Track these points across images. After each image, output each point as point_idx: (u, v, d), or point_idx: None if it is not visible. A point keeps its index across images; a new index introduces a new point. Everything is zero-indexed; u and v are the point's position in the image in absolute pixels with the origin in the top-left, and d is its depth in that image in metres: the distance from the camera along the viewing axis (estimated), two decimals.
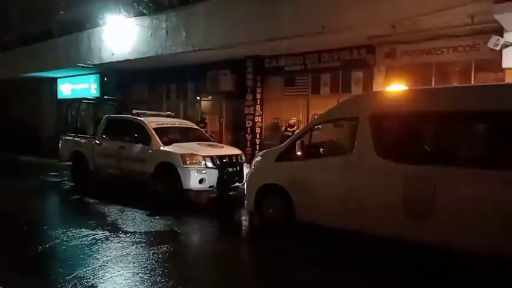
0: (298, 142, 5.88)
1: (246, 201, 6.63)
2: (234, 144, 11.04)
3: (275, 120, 12.25)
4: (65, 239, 5.57)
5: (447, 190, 4.53)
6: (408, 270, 4.63)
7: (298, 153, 5.84)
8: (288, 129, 10.80)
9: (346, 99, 6.25)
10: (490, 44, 7.64)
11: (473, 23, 7.83)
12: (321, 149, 5.91)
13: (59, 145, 10.96)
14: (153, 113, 10.01)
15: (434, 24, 8.15)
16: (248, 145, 12.07)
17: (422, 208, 4.70)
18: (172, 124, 9.48)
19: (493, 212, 4.26)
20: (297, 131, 10.26)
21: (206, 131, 11.52)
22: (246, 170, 8.35)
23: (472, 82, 8.52)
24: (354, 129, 5.44)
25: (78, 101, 12.30)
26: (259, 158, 6.68)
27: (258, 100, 12.24)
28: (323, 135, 6.33)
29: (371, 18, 8.24)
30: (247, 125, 12.27)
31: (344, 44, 10.14)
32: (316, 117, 6.76)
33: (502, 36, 7.57)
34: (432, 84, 8.84)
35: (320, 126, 6.11)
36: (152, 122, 8.89)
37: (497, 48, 7.63)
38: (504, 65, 7.71)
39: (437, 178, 4.59)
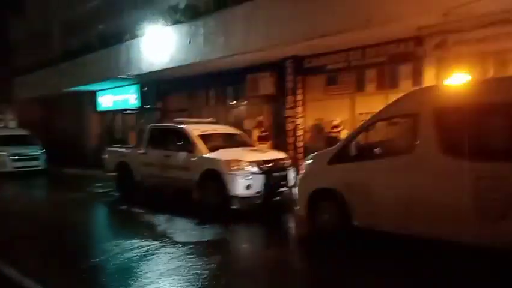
0: (353, 143, 5.53)
1: (297, 207, 6.34)
2: (275, 148, 10.75)
3: (317, 122, 11.85)
4: (117, 251, 5.47)
5: None
6: None
7: (354, 154, 5.48)
8: (333, 129, 10.40)
9: (403, 94, 5.77)
10: None
11: None
12: (378, 149, 5.51)
13: (104, 156, 11.07)
14: (195, 120, 9.93)
15: (490, 9, 7.53)
16: (290, 149, 11.74)
17: (499, 209, 4.23)
18: (214, 130, 9.36)
19: None
20: (343, 131, 9.94)
21: (267, 136, 11.34)
22: (291, 174, 8.10)
23: None
24: (415, 127, 5.04)
25: (119, 112, 12.47)
26: (310, 161, 6.33)
27: (299, 102, 11.90)
28: (375, 135, 5.95)
29: (421, 7, 7.73)
30: (288, 128, 11.96)
31: (389, 38, 9.58)
32: (370, 115, 6.28)
33: None
34: (491, 75, 8.18)
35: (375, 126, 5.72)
36: (195, 129, 8.78)
37: None
38: None
39: None
